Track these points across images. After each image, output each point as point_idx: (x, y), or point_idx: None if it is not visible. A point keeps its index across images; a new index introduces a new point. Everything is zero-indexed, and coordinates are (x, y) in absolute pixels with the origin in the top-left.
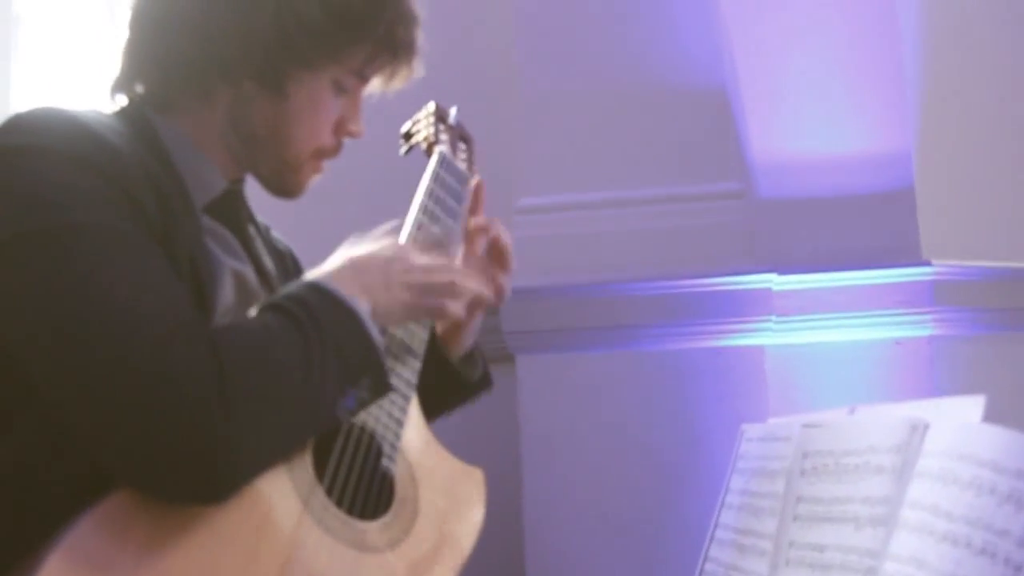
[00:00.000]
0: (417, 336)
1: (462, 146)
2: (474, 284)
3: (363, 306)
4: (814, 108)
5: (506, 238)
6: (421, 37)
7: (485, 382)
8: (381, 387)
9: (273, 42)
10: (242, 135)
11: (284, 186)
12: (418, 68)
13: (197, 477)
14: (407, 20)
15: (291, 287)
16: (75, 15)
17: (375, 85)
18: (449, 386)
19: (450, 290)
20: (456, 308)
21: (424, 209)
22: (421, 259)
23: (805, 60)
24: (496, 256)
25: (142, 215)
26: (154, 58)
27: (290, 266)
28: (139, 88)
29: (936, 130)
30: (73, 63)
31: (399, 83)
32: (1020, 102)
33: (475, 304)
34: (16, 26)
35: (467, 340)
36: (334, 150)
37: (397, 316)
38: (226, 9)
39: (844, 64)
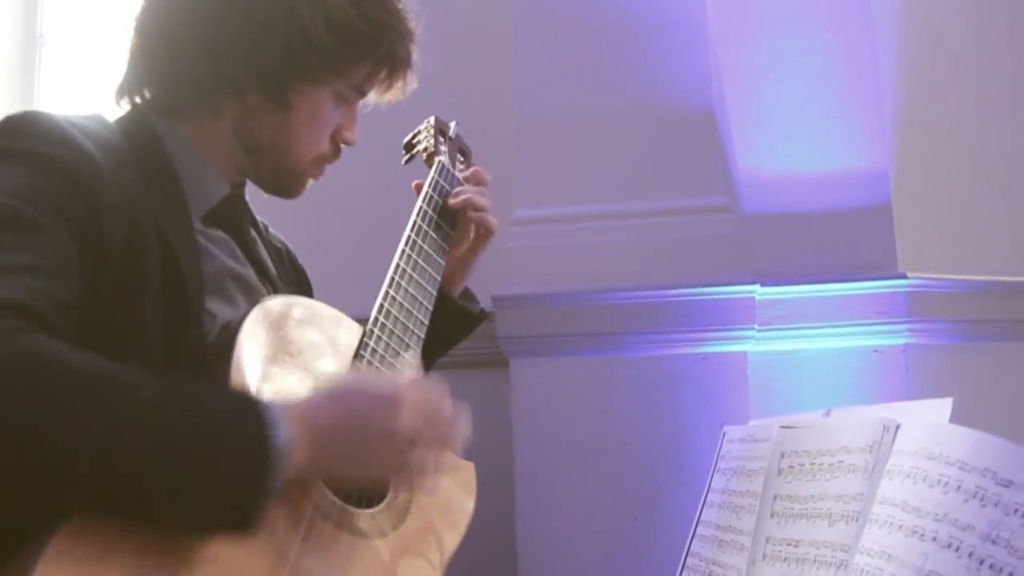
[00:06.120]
0: (414, 333)
1: (460, 158)
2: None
3: (291, 450)
4: (796, 128)
5: (485, 175)
6: (416, 53)
7: (483, 315)
8: (239, 524)
9: (281, 60)
10: (246, 144)
11: (284, 190)
12: (412, 82)
13: None
14: (406, 38)
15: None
16: (98, 34)
17: (371, 97)
18: (454, 320)
19: (417, 468)
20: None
21: (423, 214)
22: (405, 423)
23: (788, 82)
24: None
25: (94, 226)
26: (162, 68)
27: (286, 262)
28: (146, 93)
29: (912, 149)
30: (96, 81)
31: (394, 95)
32: (992, 122)
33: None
34: (40, 45)
35: (465, 280)
36: (333, 156)
37: (343, 475)
38: (236, 28)
39: (824, 86)
